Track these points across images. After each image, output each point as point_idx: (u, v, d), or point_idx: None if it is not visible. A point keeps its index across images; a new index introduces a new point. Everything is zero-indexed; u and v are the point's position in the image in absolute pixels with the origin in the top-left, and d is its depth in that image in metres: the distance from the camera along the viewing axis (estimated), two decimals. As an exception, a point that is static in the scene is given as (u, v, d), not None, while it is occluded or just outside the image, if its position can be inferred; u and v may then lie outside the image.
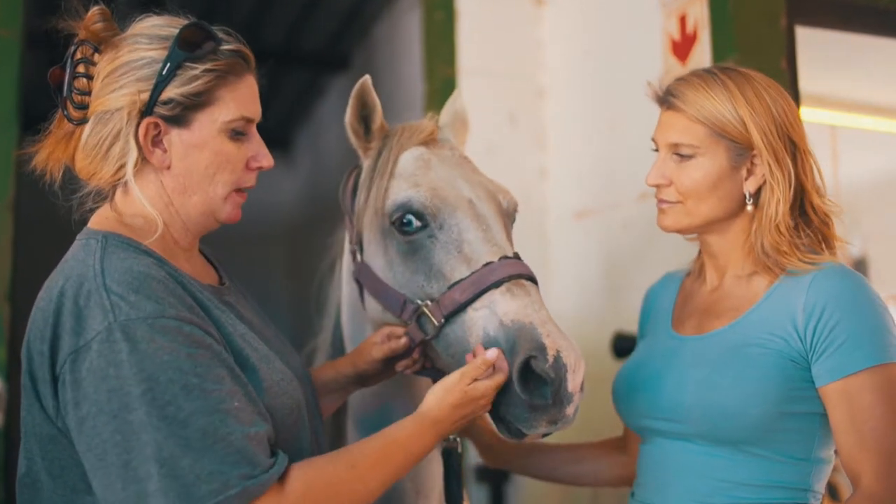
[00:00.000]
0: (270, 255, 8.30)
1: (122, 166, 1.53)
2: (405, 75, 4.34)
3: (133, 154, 1.51)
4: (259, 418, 1.43)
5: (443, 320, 1.73)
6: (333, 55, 6.15)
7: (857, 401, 1.61)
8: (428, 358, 1.89)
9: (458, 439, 1.87)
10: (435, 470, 1.99)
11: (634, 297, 2.96)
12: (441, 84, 3.48)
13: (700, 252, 1.94)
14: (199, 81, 1.52)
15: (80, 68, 1.53)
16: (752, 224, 1.77)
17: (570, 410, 1.63)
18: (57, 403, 1.42)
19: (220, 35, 1.58)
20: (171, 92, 1.51)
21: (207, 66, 1.53)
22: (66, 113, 1.54)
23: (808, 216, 1.76)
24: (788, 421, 1.68)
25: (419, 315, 1.78)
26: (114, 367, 1.35)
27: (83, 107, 1.53)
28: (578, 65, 3.47)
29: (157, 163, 1.54)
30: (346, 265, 2.07)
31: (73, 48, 1.54)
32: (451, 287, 1.74)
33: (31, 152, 1.59)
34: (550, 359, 1.61)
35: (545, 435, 1.70)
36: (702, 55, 2.67)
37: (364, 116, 1.95)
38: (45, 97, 1.58)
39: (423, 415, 1.62)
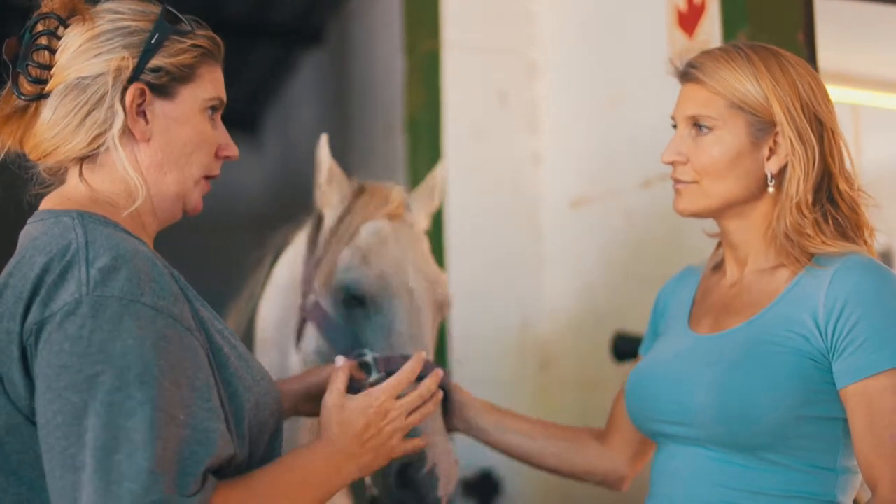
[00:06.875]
0: (233, 249, 8.25)
1: (98, 135, 1.58)
2: (383, 49, 4.33)
3: (119, 118, 1.57)
4: (214, 437, 1.42)
5: (384, 373, 1.96)
6: (305, 27, 6.13)
7: (878, 404, 1.63)
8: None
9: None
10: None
11: (636, 293, 2.97)
12: (423, 59, 3.46)
13: (720, 244, 1.95)
14: (187, 55, 1.63)
15: (43, 40, 1.58)
16: (774, 209, 1.78)
17: None
18: (29, 382, 1.44)
19: (192, 23, 1.69)
20: (160, 60, 1.61)
21: (195, 41, 1.65)
22: (15, 87, 1.58)
23: (835, 202, 1.77)
24: (808, 426, 1.69)
25: (362, 363, 2.02)
26: (69, 342, 1.38)
27: (40, 81, 1.58)
28: (575, 38, 3.47)
29: (138, 133, 1.60)
30: (283, 272, 2.35)
31: (33, 20, 1.59)
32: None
33: None
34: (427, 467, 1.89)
35: None
36: (710, 28, 2.67)
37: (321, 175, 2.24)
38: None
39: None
